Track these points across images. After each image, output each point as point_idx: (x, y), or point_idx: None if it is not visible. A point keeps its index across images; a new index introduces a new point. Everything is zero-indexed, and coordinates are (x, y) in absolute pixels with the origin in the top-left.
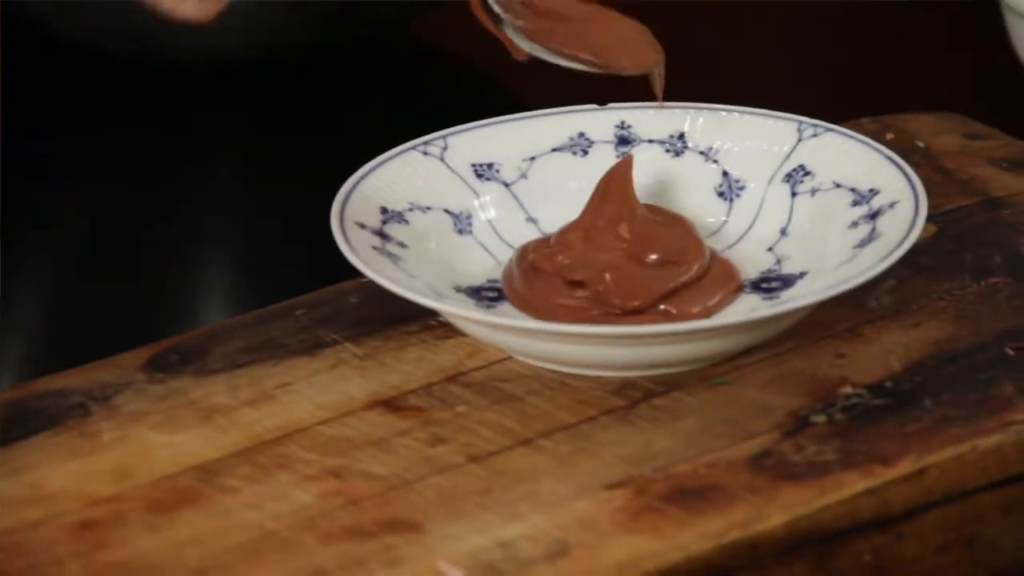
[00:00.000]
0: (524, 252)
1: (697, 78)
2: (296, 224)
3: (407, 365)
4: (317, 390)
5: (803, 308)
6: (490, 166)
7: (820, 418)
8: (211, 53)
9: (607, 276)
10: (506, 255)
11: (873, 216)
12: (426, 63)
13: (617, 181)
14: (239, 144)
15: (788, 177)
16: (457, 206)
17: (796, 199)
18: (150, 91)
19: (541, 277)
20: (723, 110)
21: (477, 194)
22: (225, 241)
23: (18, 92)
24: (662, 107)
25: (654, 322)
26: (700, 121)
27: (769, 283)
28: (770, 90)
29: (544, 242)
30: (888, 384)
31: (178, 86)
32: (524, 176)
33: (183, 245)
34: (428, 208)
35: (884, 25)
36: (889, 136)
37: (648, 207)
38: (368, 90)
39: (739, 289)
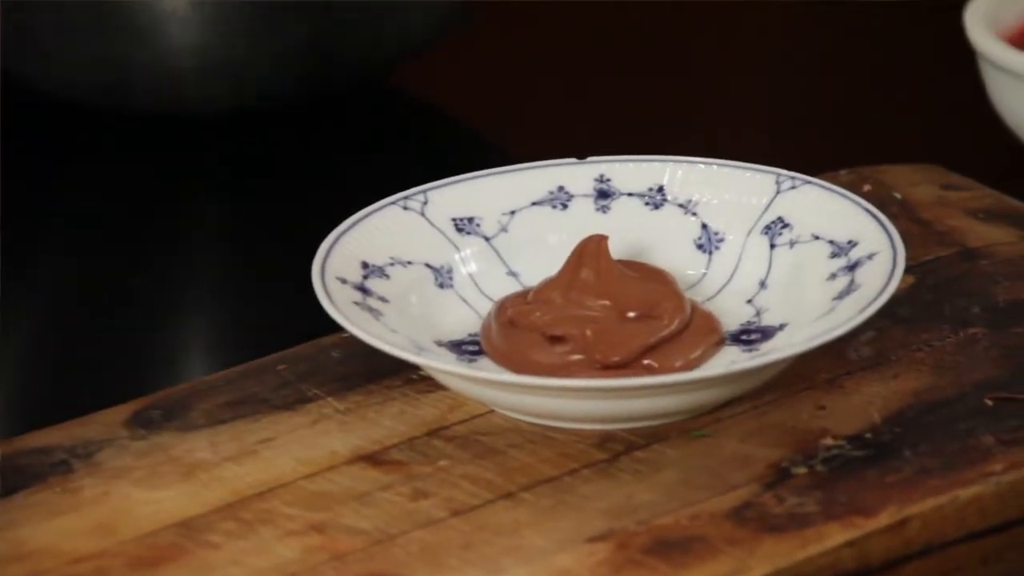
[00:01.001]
0: (502, 307)
1: (676, 130)
2: (276, 277)
3: (389, 419)
4: (299, 445)
5: (783, 360)
6: (470, 220)
7: (801, 470)
8: (185, 105)
9: (588, 332)
10: (487, 309)
11: (852, 268)
12: (406, 113)
13: (591, 252)
14: (219, 194)
15: (767, 229)
16: (438, 260)
17: (775, 251)
18: (127, 142)
19: (520, 333)
20: (701, 163)
21: (458, 248)
22: (205, 293)
23: None
24: (641, 160)
25: (635, 376)
26: (679, 174)
27: (749, 335)
28: (749, 142)
29: (522, 297)
30: (868, 435)
31: (156, 137)
32: (504, 230)
33: (163, 296)
34: (409, 263)
35: (861, 74)
36: (866, 187)
37: (627, 263)
38: (348, 140)
39: (721, 342)
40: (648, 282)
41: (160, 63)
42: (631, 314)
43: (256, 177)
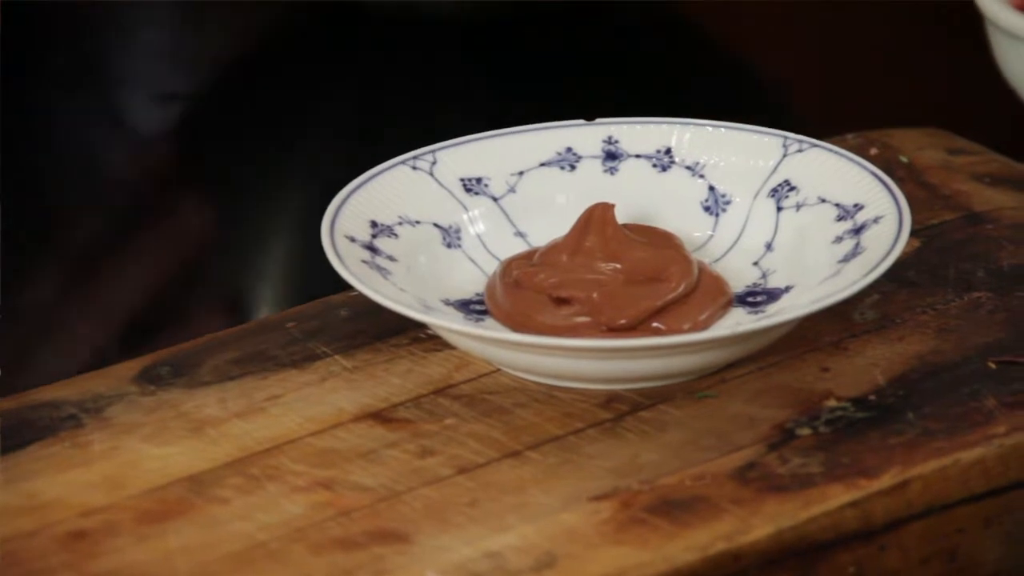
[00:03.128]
0: (507, 268)
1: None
2: None
3: (396, 378)
4: (307, 403)
5: (788, 322)
6: (479, 180)
7: (805, 431)
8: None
9: (594, 294)
10: (495, 269)
11: (857, 231)
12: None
13: (597, 219)
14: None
15: (773, 192)
16: (446, 220)
17: (781, 214)
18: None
19: (525, 294)
20: (709, 125)
21: (466, 208)
22: None
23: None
24: (649, 122)
25: (641, 336)
26: (687, 136)
27: (755, 297)
28: (756, 105)
29: (527, 259)
30: (872, 397)
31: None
32: (512, 191)
33: None
34: (417, 222)
35: (869, 39)
36: (873, 151)
37: (634, 227)
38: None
39: (729, 303)
40: (655, 247)
41: None
42: (639, 276)
43: (516, 81)
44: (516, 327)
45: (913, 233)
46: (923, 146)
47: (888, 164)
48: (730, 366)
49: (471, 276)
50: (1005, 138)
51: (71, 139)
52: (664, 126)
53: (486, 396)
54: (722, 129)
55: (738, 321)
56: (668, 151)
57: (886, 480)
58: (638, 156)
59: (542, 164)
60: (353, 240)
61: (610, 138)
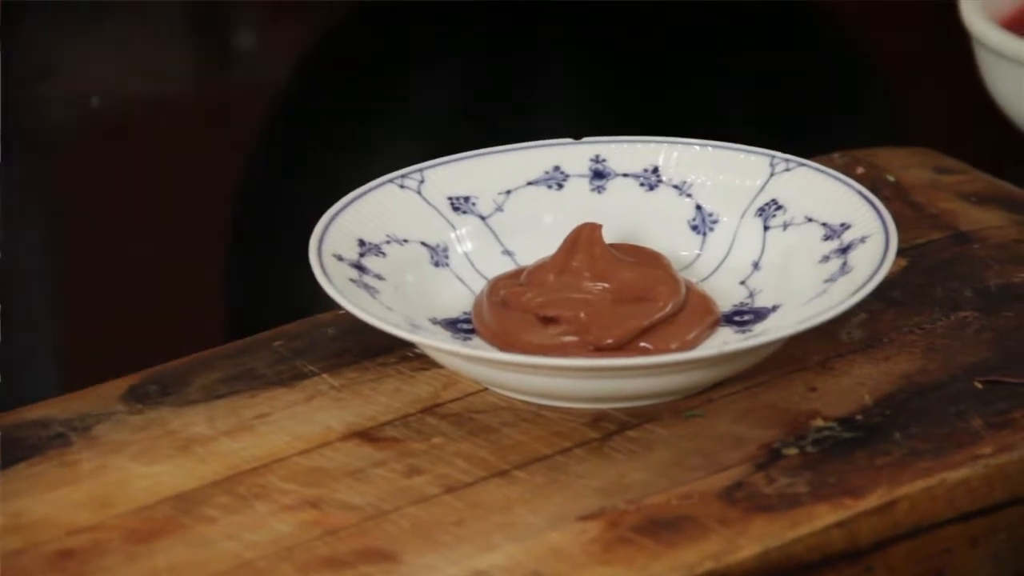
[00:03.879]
0: (494, 287)
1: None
2: None
3: (384, 396)
4: (295, 421)
5: (775, 342)
6: (466, 199)
7: (792, 450)
8: None
9: (581, 314)
10: (482, 288)
11: (844, 250)
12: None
13: (584, 240)
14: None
15: (760, 211)
16: (434, 239)
17: (768, 233)
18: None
19: (512, 313)
20: (696, 144)
21: (454, 227)
22: None
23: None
24: (636, 141)
25: (628, 356)
26: (674, 155)
27: (742, 316)
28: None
29: (514, 278)
30: (859, 417)
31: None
32: (500, 209)
33: None
34: (405, 241)
35: (855, 59)
36: (860, 170)
37: (621, 247)
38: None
39: (717, 323)
40: (642, 266)
41: None
42: (626, 295)
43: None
44: (503, 346)
45: (900, 252)
46: (909, 165)
47: (875, 183)
48: (717, 385)
49: (459, 295)
50: (992, 157)
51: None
52: (651, 145)
53: (473, 415)
54: (709, 148)
55: (725, 340)
56: (655, 170)
57: (873, 500)
58: (625, 175)
59: (529, 183)
60: (340, 259)
61: (597, 157)
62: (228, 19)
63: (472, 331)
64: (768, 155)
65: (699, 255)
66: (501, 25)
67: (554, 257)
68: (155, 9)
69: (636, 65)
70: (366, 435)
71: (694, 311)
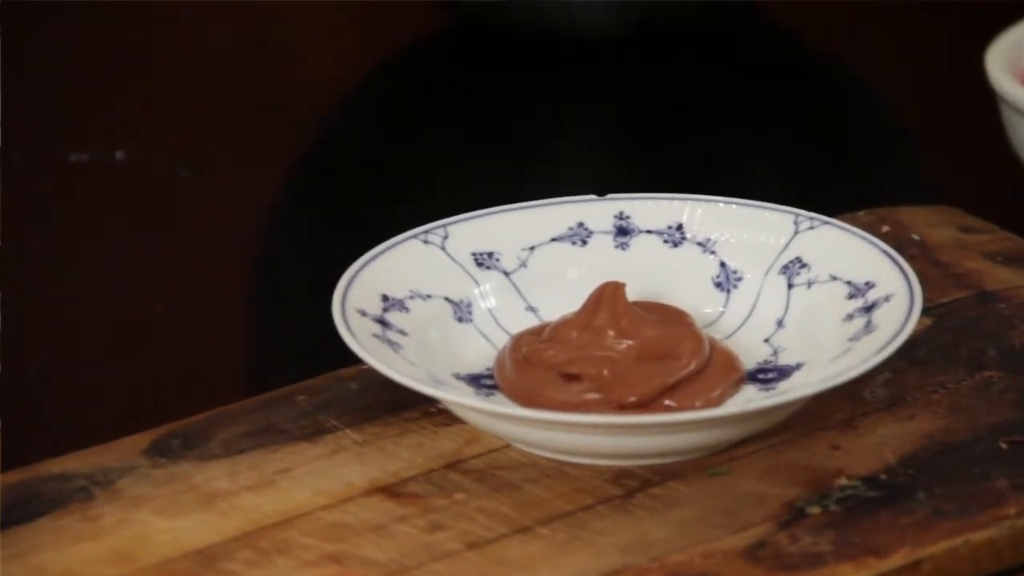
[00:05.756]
0: (517, 344)
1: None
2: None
3: (407, 452)
4: (317, 476)
5: (799, 400)
6: (490, 255)
7: (815, 509)
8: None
9: (604, 371)
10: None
11: (868, 309)
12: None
13: (608, 298)
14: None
15: (785, 269)
16: (457, 294)
17: (792, 291)
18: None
19: (534, 370)
20: (721, 202)
21: (477, 283)
22: None
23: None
24: (660, 198)
25: (651, 413)
26: (698, 212)
27: (765, 374)
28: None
29: (536, 334)
30: (883, 476)
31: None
32: (524, 265)
33: None
34: (429, 296)
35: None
36: (885, 229)
37: (644, 305)
38: (720, 68)
39: (741, 380)
40: (666, 324)
41: None
42: (649, 355)
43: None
44: (525, 403)
45: (924, 311)
46: (935, 224)
47: (900, 242)
48: (741, 443)
49: (482, 350)
50: (1017, 216)
51: None
52: (675, 202)
53: (496, 471)
54: (733, 206)
55: (749, 398)
56: (679, 227)
57: (897, 560)
58: (649, 232)
59: (553, 239)
60: (364, 314)
61: (621, 214)
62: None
63: (495, 387)
64: (793, 213)
65: (723, 312)
66: (525, 80)
67: (577, 314)
68: None
69: (661, 121)
70: (389, 491)
71: (718, 369)
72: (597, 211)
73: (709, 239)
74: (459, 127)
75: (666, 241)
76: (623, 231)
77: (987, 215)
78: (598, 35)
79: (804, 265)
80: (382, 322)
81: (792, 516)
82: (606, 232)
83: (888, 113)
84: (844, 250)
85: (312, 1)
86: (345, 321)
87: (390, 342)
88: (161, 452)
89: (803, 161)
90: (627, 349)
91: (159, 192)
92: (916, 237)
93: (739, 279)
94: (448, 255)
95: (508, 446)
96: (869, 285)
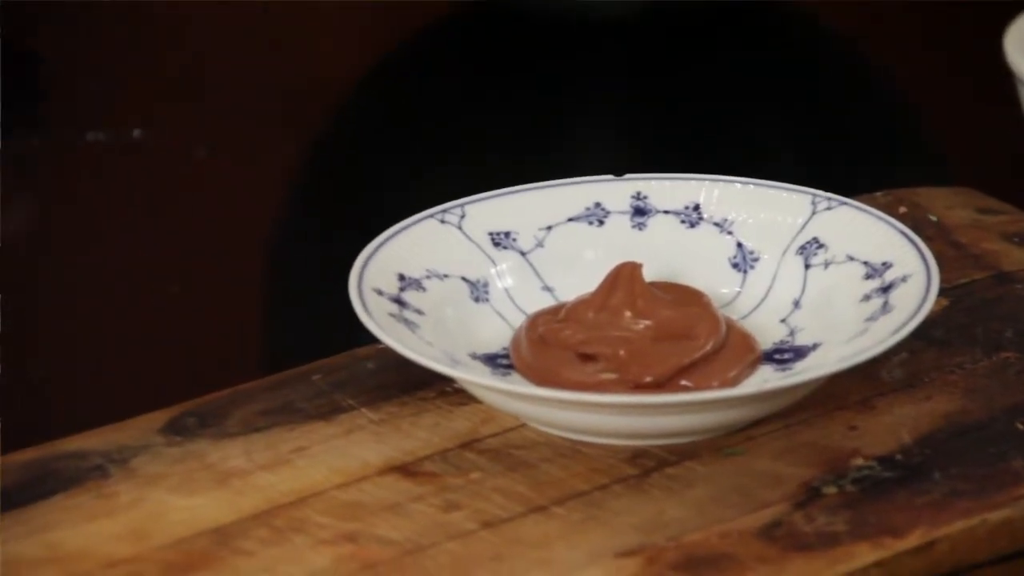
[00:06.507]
0: (533, 323)
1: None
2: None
3: (422, 431)
4: (333, 455)
5: (816, 380)
6: (507, 235)
7: (831, 489)
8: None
9: (621, 351)
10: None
11: (886, 289)
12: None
13: (624, 278)
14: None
15: (802, 249)
16: (474, 274)
17: (809, 271)
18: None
19: (550, 349)
20: (738, 182)
21: (494, 262)
22: None
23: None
24: (677, 178)
25: (667, 393)
26: (715, 193)
27: (782, 354)
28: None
29: (553, 314)
30: (899, 456)
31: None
32: (541, 245)
33: None
34: (445, 276)
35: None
36: (902, 210)
37: (661, 285)
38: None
39: (758, 361)
40: (683, 304)
41: None
42: (666, 335)
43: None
44: (542, 382)
45: (942, 292)
46: (952, 205)
47: (917, 223)
48: (757, 423)
49: (498, 330)
50: None
51: None
52: (692, 183)
53: (512, 450)
54: (751, 186)
55: (765, 378)
56: (696, 207)
57: (913, 540)
58: (666, 212)
59: (570, 219)
60: (381, 293)
61: (639, 194)
62: None
63: (511, 367)
64: (810, 193)
65: (739, 293)
66: (543, 61)
67: (594, 294)
68: None
69: (679, 101)
70: (404, 469)
71: (735, 349)
72: (614, 191)
73: (726, 219)
74: (476, 109)
75: (683, 221)
76: (640, 211)
77: (1005, 196)
78: (616, 17)
79: (821, 245)
80: (399, 301)
81: (808, 496)
82: (623, 212)
83: (905, 95)
84: (861, 231)
85: None
86: (362, 300)
87: (407, 321)
88: (177, 430)
89: (821, 142)
90: (644, 329)
91: (175, 172)
92: (933, 218)
93: (756, 259)
94: (465, 235)
95: (524, 425)
96: (886, 266)
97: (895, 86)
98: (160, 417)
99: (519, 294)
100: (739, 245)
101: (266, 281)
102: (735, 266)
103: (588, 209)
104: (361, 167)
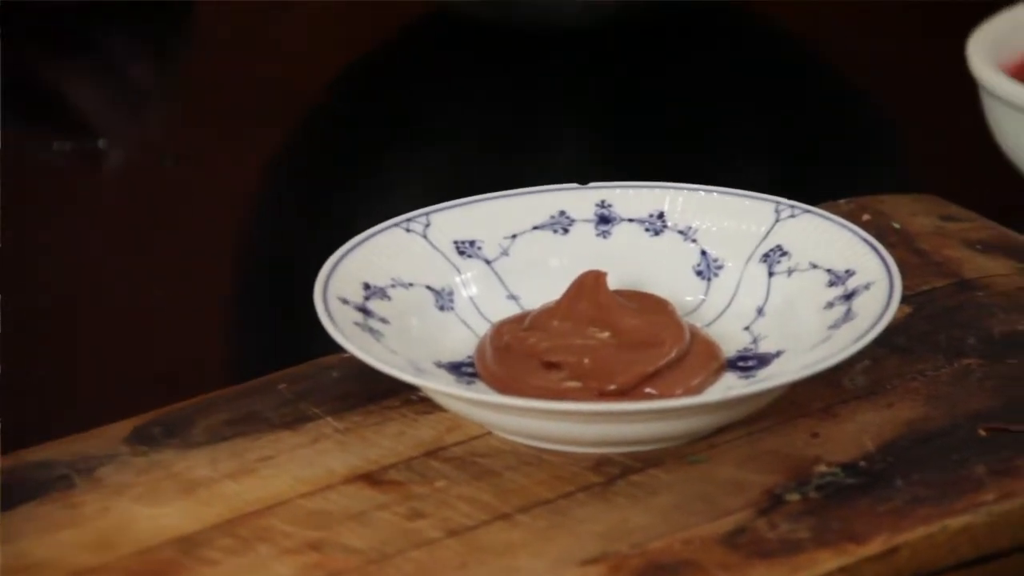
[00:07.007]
0: (498, 332)
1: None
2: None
3: (387, 440)
4: (298, 464)
5: (778, 388)
6: (472, 243)
7: (794, 496)
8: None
9: (585, 360)
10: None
11: (848, 297)
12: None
13: (589, 286)
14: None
15: (765, 257)
16: (439, 283)
17: (773, 279)
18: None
19: (515, 358)
20: (702, 190)
21: (459, 271)
22: None
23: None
24: (642, 186)
25: (631, 401)
26: (679, 201)
27: (746, 362)
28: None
29: (518, 323)
30: (862, 463)
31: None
32: (505, 253)
33: None
34: (410, 284)
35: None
36: (865, 217)
37: (625, 293)
38: (702, 59)
39: (722, 368)
40: (647, 312)
41: None
42: (630, 343)
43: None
44: (506, 390)
45: (904, 299)
46: (915, 212)
47: (880, 230)
48: (720, 430)
49: (463, 339)
50: (998, 205)
51: None
52: (657, 191)
53: (477, 459)
54: (714, 194)
55: (729, 386)
56: (661, 215)
57: (875, 546)
58: (631, 220)
59: (535, 227)
60: (345, 302)
61: (603, 202)
62: None
63: (475, 375)
64: (773, 201)
65: (704, 300)
66: (507, 71)
67: (559, 303)
68: None
69: (646, 109)
70: (369, 478)
71: (699, 357)
72: (579, 199)
73: (690, 227)
74: (441, 118)
75: (647, 229)
76: (605, 219)
77: (968, 204)
78: (583, 25)
79: (785, 253)
80: (363, 310)
81: (771, 503)
82: (588, 220)
83: (869, 103)
84: (824, 238)
85: None
86: (327, 309)
87: (371, 330)
88: (142, 440)
89: (784, 151)
90: (608, 337)
91: (139, 180)
92: (896, 225)
93: (720, 267)
94: (430, 243)
95: (489, 434)
96: (849, 273)
97: (859, 93)
98: (126, 427)
99: (484, 302)
100: (703, 253)
101: (231, 290)
102: (699, 274)
103: (553, 217)
104: (327, 175)
